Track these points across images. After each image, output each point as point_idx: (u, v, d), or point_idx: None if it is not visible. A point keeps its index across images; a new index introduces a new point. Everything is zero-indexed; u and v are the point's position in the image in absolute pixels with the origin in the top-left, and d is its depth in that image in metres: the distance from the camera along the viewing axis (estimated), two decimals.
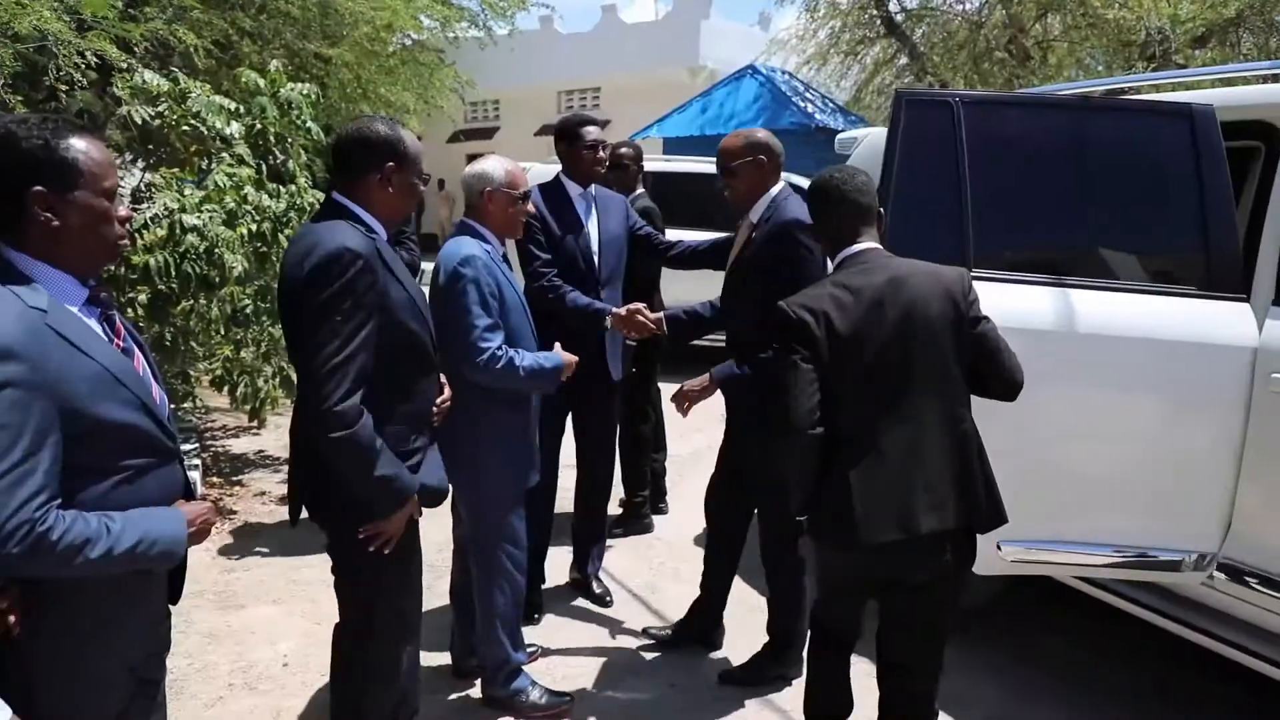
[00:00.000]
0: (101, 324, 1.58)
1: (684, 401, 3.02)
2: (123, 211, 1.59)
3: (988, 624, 3.50)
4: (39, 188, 1.46)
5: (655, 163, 8.69)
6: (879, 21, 13.49)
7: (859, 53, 14.01)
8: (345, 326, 1.99)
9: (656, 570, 4.11)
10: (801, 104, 13.15)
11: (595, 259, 3.43)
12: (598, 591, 3.79)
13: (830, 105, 13.96)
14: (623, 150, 4.37)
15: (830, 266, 2.34)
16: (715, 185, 8.54)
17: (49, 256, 1.51)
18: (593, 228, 3.46)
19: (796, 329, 2.14)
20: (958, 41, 13.05)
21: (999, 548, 2.80)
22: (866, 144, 4.07)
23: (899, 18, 13.47)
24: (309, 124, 5.20)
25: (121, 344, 1.61)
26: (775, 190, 2.97)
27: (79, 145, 1.52)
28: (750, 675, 3.14)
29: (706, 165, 8.56)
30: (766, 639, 3.19)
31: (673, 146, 13.26)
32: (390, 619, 2.33)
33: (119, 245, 1.60)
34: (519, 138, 20.09)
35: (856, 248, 2.25)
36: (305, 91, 5.19)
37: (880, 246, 2.27)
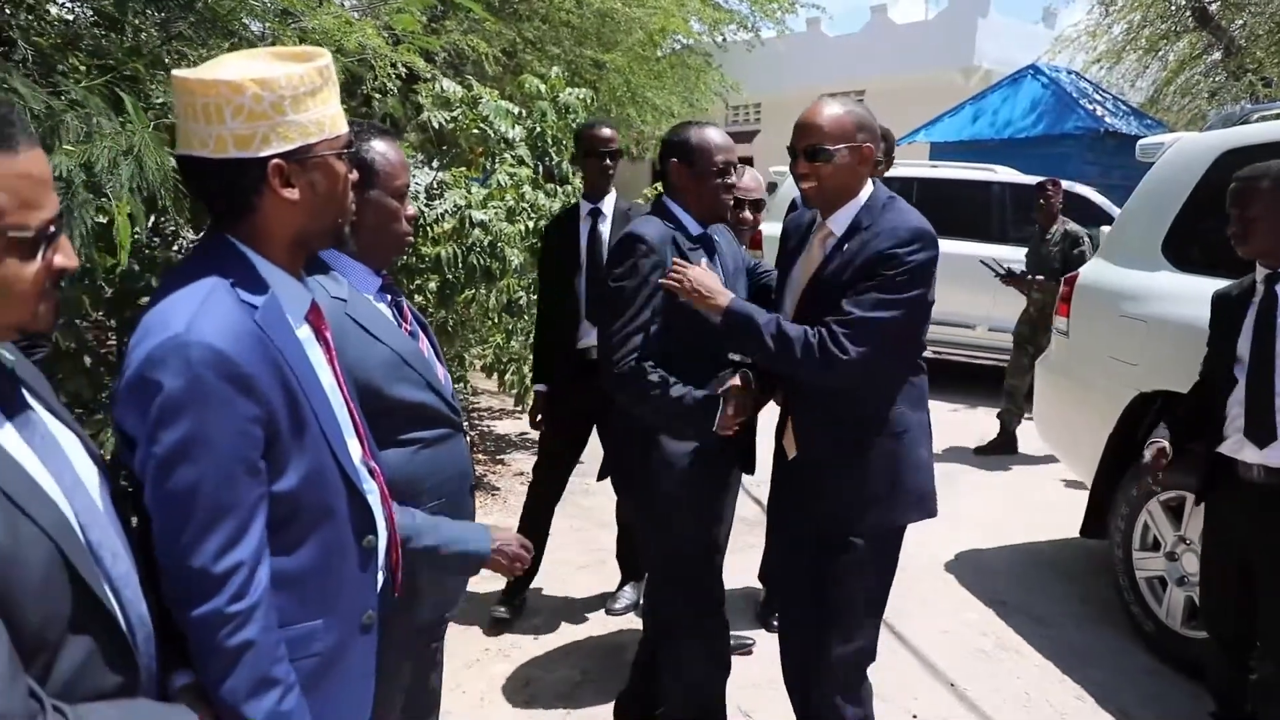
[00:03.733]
0: (392, 310, 1.74)
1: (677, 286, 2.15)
2: (411, 210, 1.75)
3: None
4: None
5: (920, 169, 8.37)
6: (1188, 13, 12.09)
7: (1160, 49, 12.64)
8: (631, 303, 2.20)
9: (900, 594, 3.92)
10: (1089, 106, 12.06)
11: None
12: None
13: (1123, 107, 12.70)
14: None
15: None
16: (990, 192, 7.98)
17: (347, 250, 1.67)
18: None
19: None
20: None
21: None
22: (1174, 151, 3.64)
23: (1214, 8, 11.99)
24: None
25: (409, 328, 1.76)
26: (867, 194, 2.16)
27: (379, 147, 1.67)
28: None
29: (975, 172, 8.13)
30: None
31: (939, 152, 12.65)
32: (674, 617, 2.45)
33: (406, 240, 1.76)
34: (779, 142, 19.95)
35: None
36: (581, 96, 5.48)
37: None
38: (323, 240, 1.34)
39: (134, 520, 1.17)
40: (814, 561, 2.22)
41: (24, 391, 1.07)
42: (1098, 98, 12.64)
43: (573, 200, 5.13)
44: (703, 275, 2.15)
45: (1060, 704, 3.06)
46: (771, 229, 4.13)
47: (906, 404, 2.17)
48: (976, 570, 4.16)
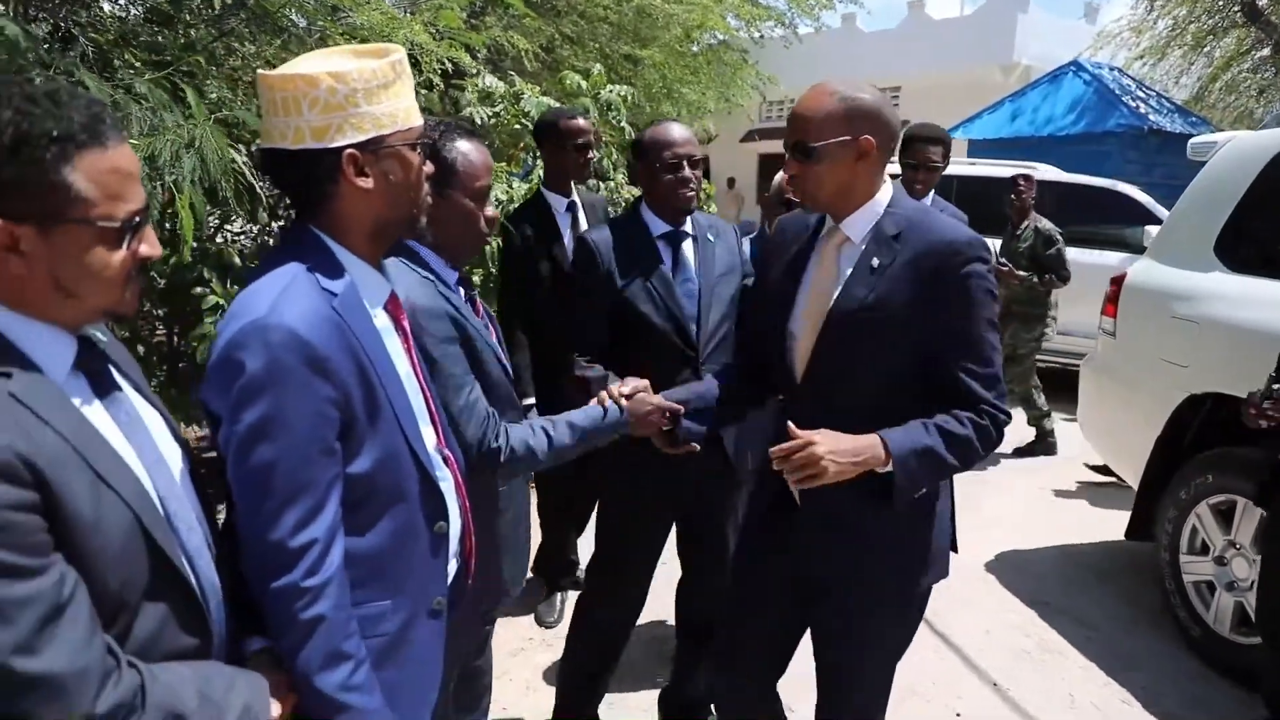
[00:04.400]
0: (467, 303, 1.78)
1: (813, 474, 1.59)
2: (490, 212, 1.76)
3: None
4: None
5: (960, 166, 8.29)
6: (1236, 8, 11.86)
7: (1206, 44, 12.41)
8: (578, 299, 2.40)
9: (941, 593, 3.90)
10: (1132, 103, 11.87)
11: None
12: None
13: (1167, 105, 12.48)
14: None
15: None
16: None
17: (425, 242, 1.71)
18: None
19: None
20: None
21: None
22: (1228, 150, 3.58)
23: (1263, 2, 11.74)
24: (623, 124, 5.50)
25: (482, 319, 1.80)
26: (886, 196, 1.77)
27: (462, 148, 1.70)
28: None
29: (1016, 170, 8.04)
30: None
31: (978, 149, 12.52)
32: (595, 592, 2.60)
33: (483, 240, 1.79)
34: None
35: None
36: (622, 93, 5.49)
37: None
38: (399, 230, 1.37)
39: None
40: (792, 616, 1.94)
41: (113, 371, 1.12)
42: (1141, 95, 12.43)
43: (615, 196, 5.15)
44: (830, 448, 1.59)
45: (1105, 706, 3.03)
46: None
47: None
48: (1017, 571, 4.12)
